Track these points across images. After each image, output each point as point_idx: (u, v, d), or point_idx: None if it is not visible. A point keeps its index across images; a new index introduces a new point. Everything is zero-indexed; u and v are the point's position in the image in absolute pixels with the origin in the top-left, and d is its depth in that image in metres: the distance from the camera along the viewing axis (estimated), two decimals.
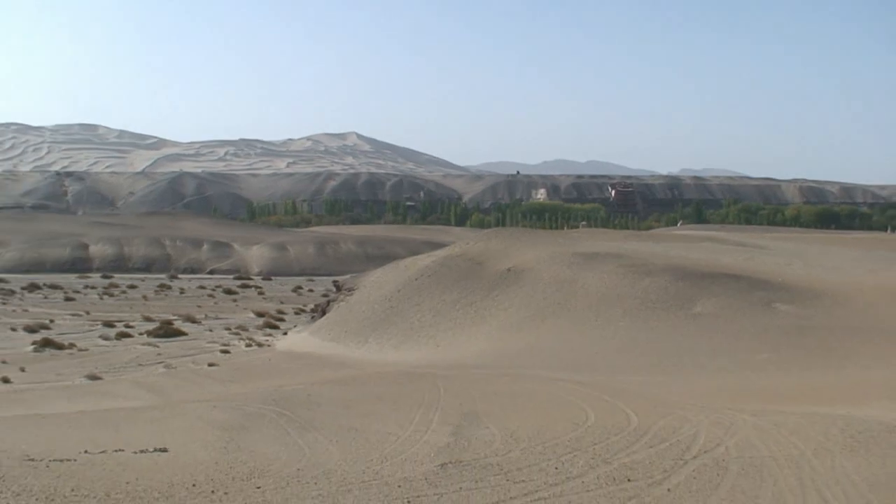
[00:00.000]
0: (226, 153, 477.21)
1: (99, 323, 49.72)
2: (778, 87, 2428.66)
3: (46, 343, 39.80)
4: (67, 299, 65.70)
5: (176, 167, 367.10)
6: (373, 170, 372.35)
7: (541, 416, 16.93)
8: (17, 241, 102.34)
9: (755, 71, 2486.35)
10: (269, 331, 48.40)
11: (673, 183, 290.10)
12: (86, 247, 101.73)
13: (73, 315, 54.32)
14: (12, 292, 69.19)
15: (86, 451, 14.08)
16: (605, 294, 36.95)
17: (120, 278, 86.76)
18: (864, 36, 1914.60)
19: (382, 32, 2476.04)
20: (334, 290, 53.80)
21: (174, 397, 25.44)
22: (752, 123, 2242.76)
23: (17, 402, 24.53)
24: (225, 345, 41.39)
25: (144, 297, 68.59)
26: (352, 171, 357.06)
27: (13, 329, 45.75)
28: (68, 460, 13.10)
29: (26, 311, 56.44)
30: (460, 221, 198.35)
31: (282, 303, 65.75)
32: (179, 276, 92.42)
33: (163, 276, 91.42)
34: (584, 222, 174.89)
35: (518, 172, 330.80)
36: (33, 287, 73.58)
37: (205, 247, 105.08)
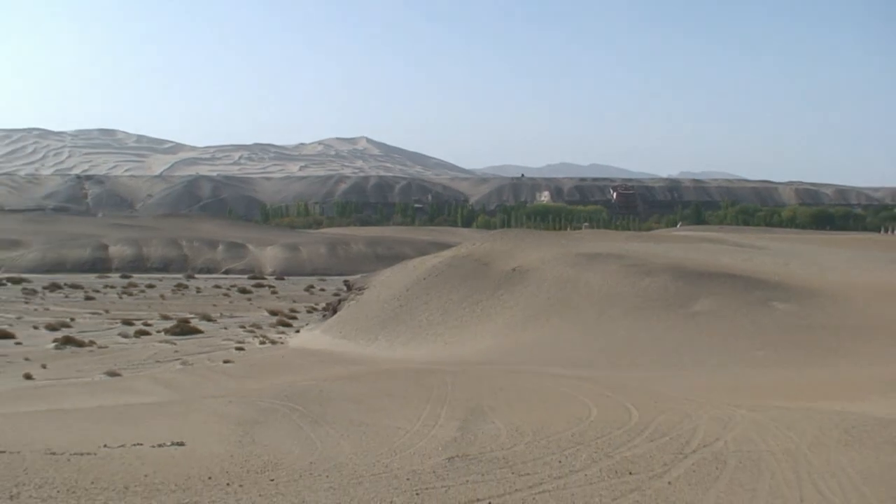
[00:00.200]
0: (240, 157, 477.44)
1: (118, 321, 49.82)
2: (775, 92, 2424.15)
3: (67, 341, 39.90)
4: (87, 298, 65.85)
5: (192, 171, 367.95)
6: (382, 173, 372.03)
7: (545, 411, 16.91)
8: (39, 242, 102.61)
9: (753, 78, 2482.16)
10: (282, 329, 48.45)
11: (673, 185, 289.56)
12: (105, 247, 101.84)
13: (93, 314, 54.43)
14: (34, 292, 69.36)
15: (105, 445, 14.09)
16: (607, 293, 36.91)
17: (138, 278, 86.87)
18: (859, 44, 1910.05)
19: (392, 41, 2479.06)
20: (345, 289, 53.85)
21: (191, 393, 25.47)
22: (749, 128, 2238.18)
23: (39, 398, 24.59)
24: (240, 342, 41.43)
25: (162, 297, 68.71)
26: (362, 174, 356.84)
27: (35, 327, 45.86)
28: (88, 454, 13.12)
29: (48, 309, 56.57)
30: (467, 223, 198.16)
31: (294, 302, 65.78)
32: (196, 275, 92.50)
33: (180, 275, 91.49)
34: (586, 224, 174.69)
35: (523, 175, 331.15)
36: (54, 286, 73.76)
37: (220, 247, 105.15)
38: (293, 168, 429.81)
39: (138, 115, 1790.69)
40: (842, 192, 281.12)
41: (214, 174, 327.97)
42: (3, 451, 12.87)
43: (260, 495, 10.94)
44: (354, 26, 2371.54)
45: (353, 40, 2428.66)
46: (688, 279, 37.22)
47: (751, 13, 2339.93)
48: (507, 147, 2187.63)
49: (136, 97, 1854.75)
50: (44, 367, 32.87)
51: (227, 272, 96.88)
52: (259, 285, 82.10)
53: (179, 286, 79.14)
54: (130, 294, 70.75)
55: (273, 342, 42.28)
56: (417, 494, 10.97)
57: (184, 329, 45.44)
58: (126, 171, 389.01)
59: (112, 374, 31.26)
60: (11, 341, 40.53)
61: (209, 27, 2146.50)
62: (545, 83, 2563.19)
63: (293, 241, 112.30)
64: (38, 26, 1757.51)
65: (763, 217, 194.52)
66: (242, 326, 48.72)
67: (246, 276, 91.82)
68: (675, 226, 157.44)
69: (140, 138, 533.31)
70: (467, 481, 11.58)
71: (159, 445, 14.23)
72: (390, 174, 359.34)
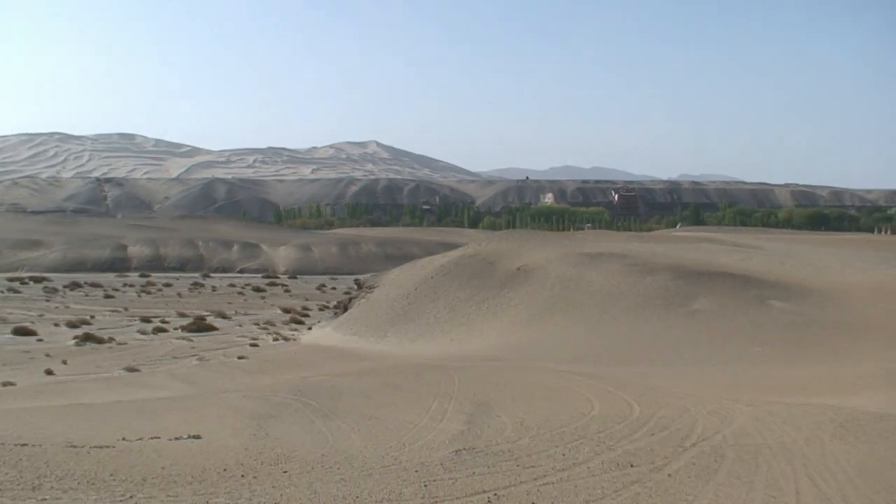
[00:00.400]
0: (255, 160, 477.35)
1: (136, 319, 49.91)
2: (771, 97, 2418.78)
3: (87, 337, 39.98)
4: (107, 297, 65.99)
5: (208, 173, 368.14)
6: (391, 176, 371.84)
7: (549, 405, 16.90)
8: (60, 243, 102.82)
9: (750, 83, 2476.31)
10: (294, 326, 48.51)
11: (673, 188, 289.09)
12: (124, 248, 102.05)
13: (113, 311, 54.56)
14: (55, 290, 69.55)
15: (124, 439, 14.11)
16: (609, 292, 36.87)
17: (156, 277, 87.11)
18: (856, 49, 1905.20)
19: (400, 49, 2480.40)
20: (356, 287, 53.89)
21: (207, 388, 25.48)
22: (747, 132, 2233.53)
23: (60, 393, 24.63)
24: (254, 339, 41.48)
25: (179, 295, 68.82)
26: (372, 177, 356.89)
27: (56, 324, 45.96)
28: (107, 447, 13.14)
29: (68, 307, 56.70)
30: (473, 224, 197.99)
31: (307, 300, 65.84)
32: (211, 274, 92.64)
33: (196, 274, 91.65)
34: (589, 224, 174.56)
35: (527, 178, 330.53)
36: (75, 285, 73.96)
37: (235, 248, 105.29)
38: (306, 171, 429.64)
39: (157, 120, 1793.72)
40: (836, 193, 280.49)
41: (230, 177, 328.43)
42: (26, 444, 12.90)
43: (273, 487, 10.95)
44: (364, 36, 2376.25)
45: (363, 48, 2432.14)
46: (687, 278, 37.16)
47: (749, 20, 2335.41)
48: (512, 150, 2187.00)
49: (155, 103, 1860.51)
50: (64, 363, 32.95)
51: (241, 271, 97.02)
52: (273, 284, 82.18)
53: (196, 285, 79.28)
54: (148, 293, 70.88)
55: (286, 339, 42.32)
56: (425, 486, 10.96)
57: (200, 326, 45.50)
58: (144, 173, 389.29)
59: (130, 369, 31.31)
60: (33, 338, 40.65)
61: (226, 37, 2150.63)
62: (549, 88, 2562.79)
63: (306, 242, 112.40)
64: (61, 34, 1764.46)
65: (760, 218, 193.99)
66: (256, 324, 48.78)
67: (260, 276, 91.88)
68: (675, 227, 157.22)
69: (158, 142, 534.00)
70: (474, 473, 11.57)
71: (176, 438, 14.25)
72: (399, 177, 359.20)
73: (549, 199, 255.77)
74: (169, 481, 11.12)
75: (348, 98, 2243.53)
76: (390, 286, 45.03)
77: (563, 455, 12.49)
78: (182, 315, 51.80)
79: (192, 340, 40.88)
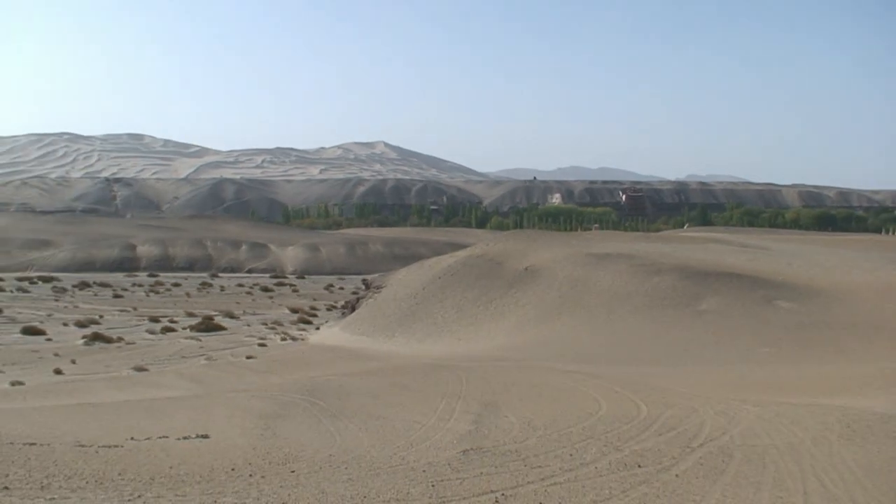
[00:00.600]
0: (263, 161, 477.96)
1: (145, 318, 49.99)
2: (779, 98, 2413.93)
3: (96, 337, 40.07)
4: (116, 296, 66.09)
5: (217, 174, 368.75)
6: (399, 176, 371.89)
7: (556, 405, 16.88)
8: (69, 243, 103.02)
9: (758, 84, 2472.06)
10: (302, 326, 48.52)
11: (680, 188, 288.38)
12: (133, 247, 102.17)
13: (121, 311, 54.64)
14: (64, 290, 69.66)
15: (132, 438, 14.14)
16: (617, 292, 36.83)
17: (165, 277, 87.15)
18: (862, 50, 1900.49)
19: (408, 51, 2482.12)
20: (363, 287, 53.90)
21: (215, 387, 25.53)
22: (754, 133, 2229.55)
23: (69, 392, 24.69)
24: (262, 339, 41.52)
25: (187, 295, 68.91)
26: (380, 177, 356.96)
27: (65, 324, 46.05)
28: (116, 446, 13.17)
29: (77, 307, 56.80)
30: (481, 224, 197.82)
31: (315, 300, 65.86)
32: (220, 274, 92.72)
33: (204, 274, 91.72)
34: (596, 225, 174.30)
35: (535, 178, 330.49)
36: (84, 285, 74.08)
37: (243, 247, 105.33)
38: (314, 171, 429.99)
39: (165, 121, 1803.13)
40: (844, 194, 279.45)
41: (238, 177, 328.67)
42: (35, 444, 12.94)
43: (281, 486, 10.95)
44: (372, 38, 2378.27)
45: (371, 50, 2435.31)
46: (694, 279, 37.10)
47: (758, 21, 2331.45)
48: (519, 151, 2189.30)
49: (164, 103, 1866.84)
50: (73, 362, 33.02)
51: (249, 271, 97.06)
52: (281, 284, 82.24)
53: (204, 285, 79.38)
54: (157, 292, 70.96)
55: (294, 339, 42.34)
56: (433, 486, 10.95)
57: (208, 326, 45.57)
58: (153, 174, 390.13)
59: (139, 369, 31.37)
60: (42, 337, 40.76)
61: (235, 38, 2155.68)
62: (557, 89, 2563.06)
63: (313, 242, 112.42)
64: (70, 35, 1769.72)
65: (767, 219, 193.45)
66: (264, 323, 48.81)
67: (268, 275, 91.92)
68: (682, 227, 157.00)
69: (167, 142, 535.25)
70: (481, 473, 11.56)
71: (184, 438, 14.27)
72: (407, 177, 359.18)
73: (556, 199, 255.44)
74: (177, 481, 11.14)
75: (357, 99, 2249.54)
76: (398, 286, 45.04)
77: (571, 455, 12.47)
78: (190, 315, 51.86)
79: (200, 340, 40.93)
